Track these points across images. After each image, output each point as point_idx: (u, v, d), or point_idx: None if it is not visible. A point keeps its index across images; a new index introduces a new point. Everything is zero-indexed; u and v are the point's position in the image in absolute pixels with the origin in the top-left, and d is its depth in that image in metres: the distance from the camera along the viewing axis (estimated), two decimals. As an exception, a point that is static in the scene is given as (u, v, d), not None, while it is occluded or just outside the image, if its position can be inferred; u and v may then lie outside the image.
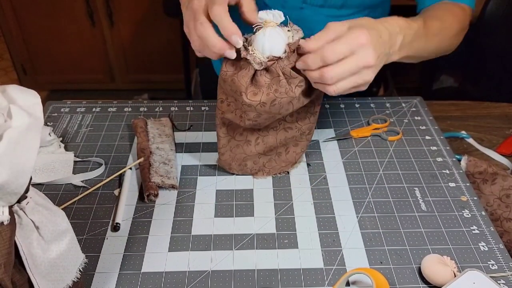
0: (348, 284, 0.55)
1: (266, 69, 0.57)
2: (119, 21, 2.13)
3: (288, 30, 0.57)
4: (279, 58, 0.56)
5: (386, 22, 0.62)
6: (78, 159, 0.72)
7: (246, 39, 0.57)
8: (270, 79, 0.57)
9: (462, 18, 0.81)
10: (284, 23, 0.58)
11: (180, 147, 0.75)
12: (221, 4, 0.56)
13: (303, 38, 0.57)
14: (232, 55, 0.56)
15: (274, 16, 0.55)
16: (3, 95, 0.38)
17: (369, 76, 0.57)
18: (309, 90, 0.60)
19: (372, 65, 0.56)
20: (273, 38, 0.55)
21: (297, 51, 0.58)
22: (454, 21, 0.80)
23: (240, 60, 0.58)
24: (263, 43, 0.55)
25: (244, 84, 0.56)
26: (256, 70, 0.56)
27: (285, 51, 0.56)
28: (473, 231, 0.61)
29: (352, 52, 0.55)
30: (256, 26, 0.57)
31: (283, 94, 0.57)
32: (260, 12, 0.56)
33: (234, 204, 0.65)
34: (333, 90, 0.56)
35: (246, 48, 0.56)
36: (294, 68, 0.57)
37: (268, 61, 0.56)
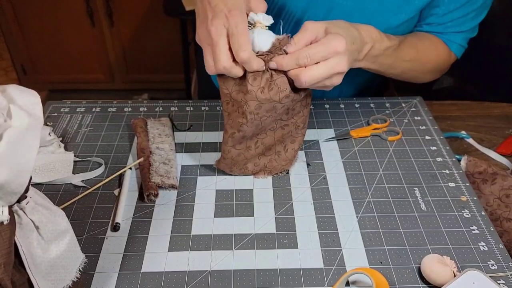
0: (348, 284, 0.55)
1: None
2: (119, 21, 2.14)
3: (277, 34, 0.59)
4: (269, 52, 0.58)
5: (360, 28, 0.64)
6: (78, 159, 0.72)
7: None
8: (262, 71, 0.58)
9: (443, 61, 0.83)
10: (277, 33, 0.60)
11: (180, 147, 0.75)
12: (248, 50, 0.54)
13: None
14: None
15: (264, 18, 0.58)
16: (3, 95, 0.38)
17: (338, 80, 0.59)
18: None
19: (343, 72, 0.59)
20: (262, 35, 0.57)
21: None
22: (434, 60, 0.81)
23: None
24: (252, 39, 0.57)
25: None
26: None
27: (273, 45, 0.58)
28: (473, 231, 0.61)
29: (327, 58, 0.57)
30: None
31: (279, 73, 0.58)
32: (251, 13, 0.58)
33: (234, 204, 0.65)
34: (304, 86, 0.58)
35: None
36: None
37: (259, 55, 0.57)
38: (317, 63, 0.57)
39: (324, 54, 0.57)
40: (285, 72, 0.58)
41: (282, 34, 0.59)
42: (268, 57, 0.57)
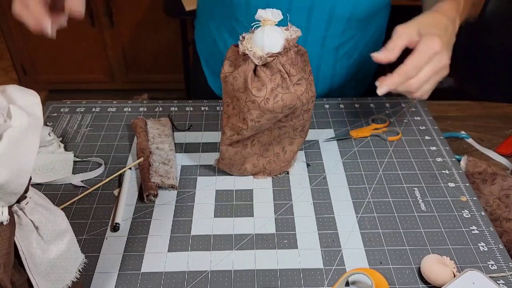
0: (347, 284, 0.55)
1: (266, 65, 0.57)
2: (119, 21, 2.14)
3: (286, 30, 0.58)
4: (279, 54, 0.57)
5: (444, 10, 0.66)
6: (77, 159, 0.72)
7: (244, 37, 0.58)
8: (270, 75, 0.57)
9: None
10: (283, 25, 0.58)
11: (180, 147, 0.75)
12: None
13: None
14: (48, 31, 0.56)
15: (273, 14, 0.56)
16: (2, 95, 0.38)
17: (445, 72, 0.62)
18: (307, 89, 0.60)
19: (447, 65, 0.61)
20: (272, 35, 0.56)
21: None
22: None
23: (237, 59, 0.59)
24: (262, 40, 0.56)
25: (247, 79, 0.57)
26: (256, 66, 0.57)
27: (284, 47, 0.57)
28: (473, 231, 0.61)
29: (429, 61, 0.60)
30: (255, 24, 0.57)
31: (285, 89, 0.57)
32: (259, 10, 0.56)
33: (234, 204, 0.65)
34: (419, 95, 0.62)
35: (243, 45, 0.57)
36: (293, 65, 0.58)
37: (268, 56, 0.56)
38: None
39: (426, 59, 0.59)
40: (294, 84, 0.58)
41: (291, 27, 0.58)
42: (277, 59, 0.57)
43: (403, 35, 0.61)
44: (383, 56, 0.60)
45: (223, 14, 0.84)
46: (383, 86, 0.59)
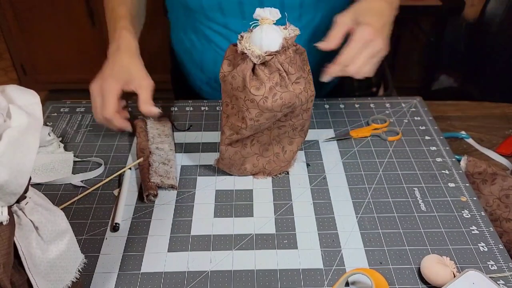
0: (347, 284, 0.55)
1: (265, 64, 0.57)
2: (119, 21, 2.13)
3: (285, 29, 0.58)
4: (277, 52, 0.57)
5: None
6: (77, 159, 0.72)
7: (242, 36, 0.58)
8: (269, 74, 0.57)
9: None
10: (282, 24, 0.58)
11: (180, 147, 0.75)
12: (112, 108, 0.70)
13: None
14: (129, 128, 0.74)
15: (271, 13, 0.56)
16: (2, 95, 0.38)
17: (382, 53, 0.66)
18: (306, 88, 0.60)
19: (383, 47, 0.65)
20: (270, 34, 0.56)
21: (297, 51, 0.59)
22: None
23: (236, 59, 0.59)
24: (260, 39, 0.56)
25: (245, 78, 0.57)
26: (254, 65, 0.57)
27: (282, 45, 0.57)
28: (473, 232, 0.61)
29: (363, 48, 0.64)
30: (253, 23, 0.57)
31: (283, 88, 0.57)
32: (257, 9, 0.56)
33: (234, 204, 0.65)
34: (360, 76, 0.66)
35: (242, 44, 0.57)
36: (291, 64, 0.58)
37: (267, 55, 0.56)
38: None
39: (360, 47, 0.64)
40: (293, 83, 0.58)
41: (289, 26, 0.59)
42: (276, 58, 0.57)
43: (341, 24, 0.66)
44: (324, 45, 0.65)
45: (185, 16, 0.86)
46: (326, 74, 0.64)
